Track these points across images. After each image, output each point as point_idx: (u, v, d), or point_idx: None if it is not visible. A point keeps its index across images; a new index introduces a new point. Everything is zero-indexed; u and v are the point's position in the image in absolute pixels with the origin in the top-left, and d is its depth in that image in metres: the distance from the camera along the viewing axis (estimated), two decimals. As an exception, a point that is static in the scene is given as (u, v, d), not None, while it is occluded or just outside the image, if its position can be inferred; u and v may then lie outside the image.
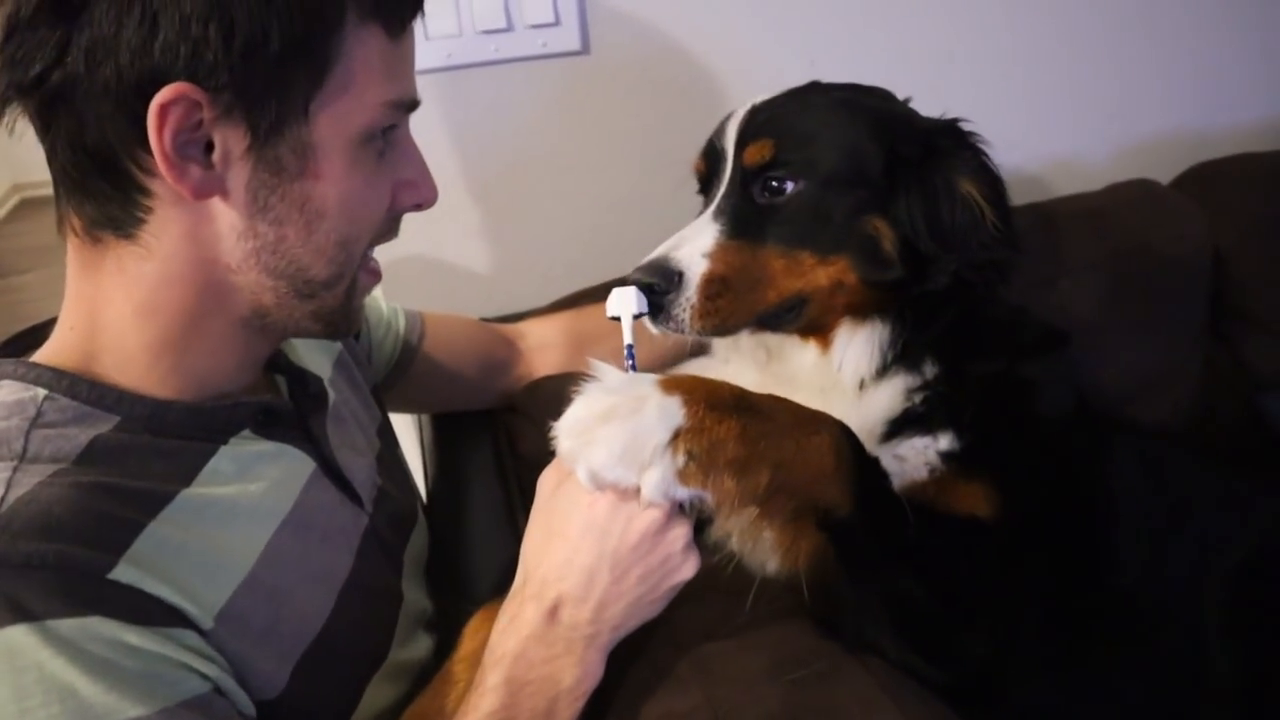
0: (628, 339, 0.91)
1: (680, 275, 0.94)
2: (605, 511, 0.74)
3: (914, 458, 0.94)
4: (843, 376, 1.00)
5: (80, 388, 0.76)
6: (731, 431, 0.70)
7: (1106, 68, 1.62)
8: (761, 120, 1.03)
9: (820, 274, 0.97)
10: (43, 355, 0.80)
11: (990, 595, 0.88)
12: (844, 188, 0.98)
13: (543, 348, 1.32)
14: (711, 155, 1.07)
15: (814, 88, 1.08)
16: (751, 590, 0.85)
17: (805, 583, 0.79)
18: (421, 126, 0.90)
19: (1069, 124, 1.66)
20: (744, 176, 1.01)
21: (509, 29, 1.35)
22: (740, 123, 1.04)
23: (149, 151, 0.70)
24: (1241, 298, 1.52)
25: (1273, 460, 1.50)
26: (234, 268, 0.78)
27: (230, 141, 0.72)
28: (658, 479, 0.68)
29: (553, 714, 0.76)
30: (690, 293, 0.93)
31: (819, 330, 1.01)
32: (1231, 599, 1.09)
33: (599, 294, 1.39)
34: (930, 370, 0.99)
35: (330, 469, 0.93)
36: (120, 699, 0.65)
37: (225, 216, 0.76)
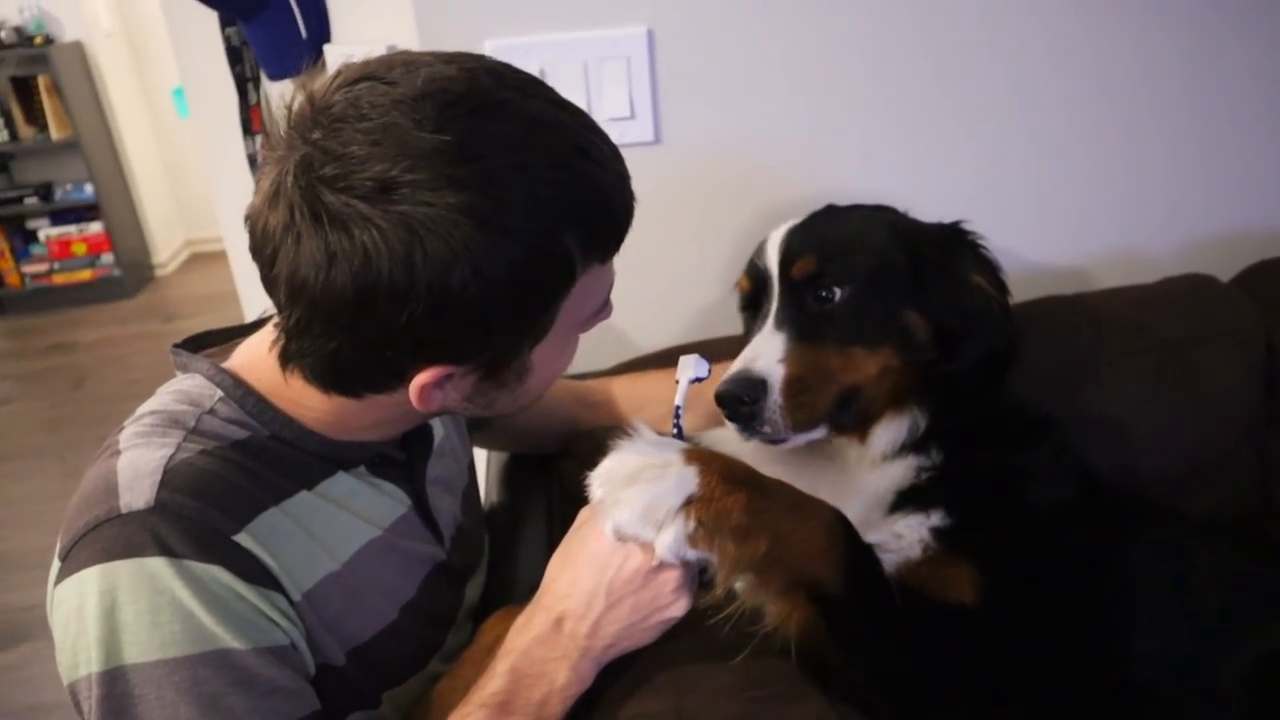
0: (678, 400, 1.04)
1: (764, 382, 1.05)
2: (608, 548, 0.87)
3: (909, 534, 1.03)
4: (872, 452, 1.12)
5: (249, 401, 0.94)
6: (738, 503, 0.81)
7: (1164, 166, 1.66)
8: (799, 240, 1.17)
9: (870, 364, 1.10)
10: (235, 363, 0.98)
11: (973, 676, 0.95)
12: (881, 288, 1.13)
13: (607, 404, 1.46)
14: (755, 275, 1.20)
15: (832, 210, 1.24)
16: (750, 645, 0.92)
17: (795, 648, 0.89)
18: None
19: (1128, 221, 1.70)
20: (793, 289, 1.14)
21: (590, 122, 1.52)
22: (781, 244, 1.17)
23: (402, 385, 0.87)
24: (1298, 393, 1.52)
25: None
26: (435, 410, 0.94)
27: (466, 380, 0.89)
28: (670, 540, 0.79)
29: (545, 705, 0.89)
30: (776, 396, 1.05)
31: (865, 424, 1.12)
32: (1256, 691, 1.10)
33: (660, 360, 1.53)
34: (937, 455, 1.10)
35: (422, 508, 1.10)
36: (225, 631, 0.83)
37: (446, 399, 0.91)
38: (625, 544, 0.85)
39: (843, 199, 1.57)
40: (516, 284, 0.81)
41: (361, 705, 0.99)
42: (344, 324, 0.81)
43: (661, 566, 0.85)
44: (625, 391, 1.46)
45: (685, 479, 0.81)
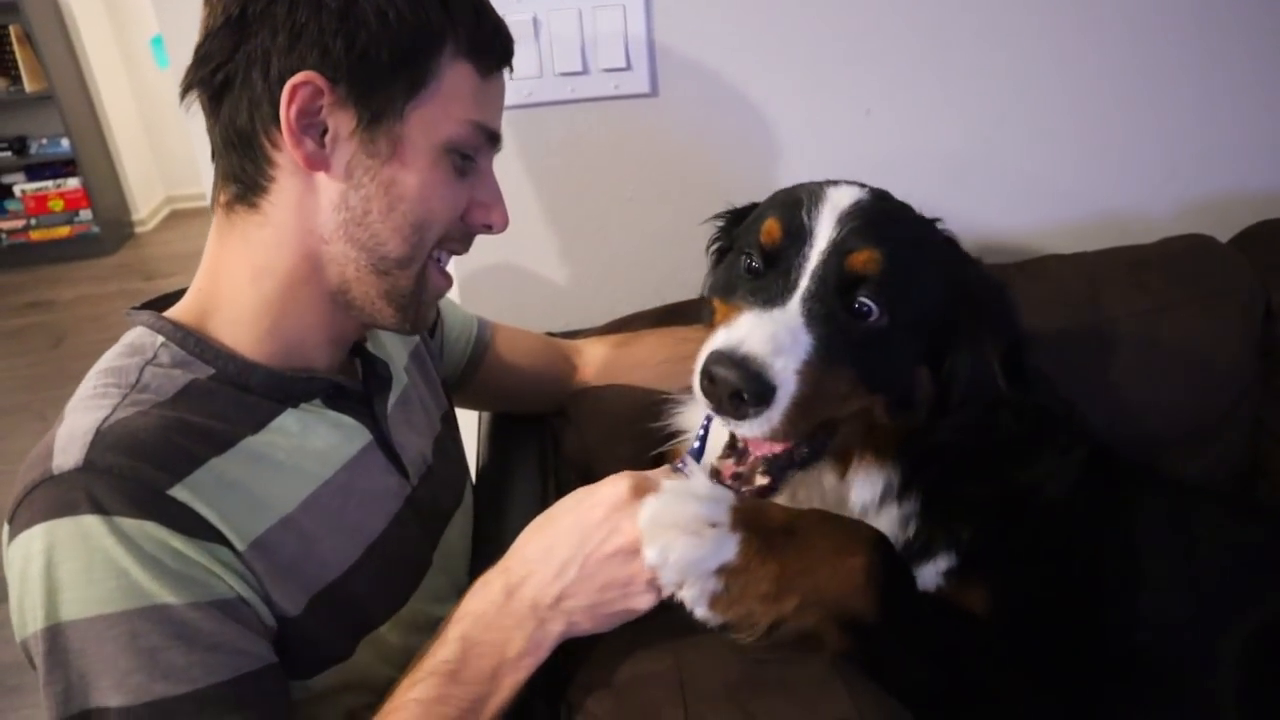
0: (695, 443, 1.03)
1: (774, 390, 0.86)
2: (594, 521, 0.87)
3: (924, 582, 1.01)
4: (851, 504, 1.04)
5: (189, 341, 0.95)
6: (769, 574, 0.83)
7: (1163, 126, 1.65)
8: (864, 227, 0.95)
9: (858, 404, 0.96)
10: (173, 311, 1.00)
11: (993, 680, 0.95)
12: (914, 335, 0.97)
13: (595, 365, 1.45)
14: (794, 231, 0.96)
15: (896, 209, 1.03)
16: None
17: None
18: (502, 156, 1.07)
19: (1127, 181, 1.69)
20: (838, 278, 0.93)
21: (585, 72, 1.49)
22: (841, 217, 0.96)
23: (279, 129, 0.91)
24: (1294, 356, 1.52)
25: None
26: (326, 239, 0.96)
27: (340, 126, 0.92)
28: (694, 596, 0.82)
29: (496, 678, 0.88)
30: (777, 416, 0.87)
31: (840, 458, 1.04)
32: (1250, 660, 1.10)
33: (653, 318, 1.51)
34: (915, 502, 1.02)
35: (384, 443, 1.08)
36: (160, 587, 0.82)
37: (326, 190, 0.94)
38: (612, 520, 0.86)
39: (843, 156, 1.57)
40: (389, 5, 0.91)
41: (333, 654, 0.97)
42: (239, 17, 0.90)
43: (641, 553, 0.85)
44: (616, 353, 1.45)
45: (725, 545, 0.82)
